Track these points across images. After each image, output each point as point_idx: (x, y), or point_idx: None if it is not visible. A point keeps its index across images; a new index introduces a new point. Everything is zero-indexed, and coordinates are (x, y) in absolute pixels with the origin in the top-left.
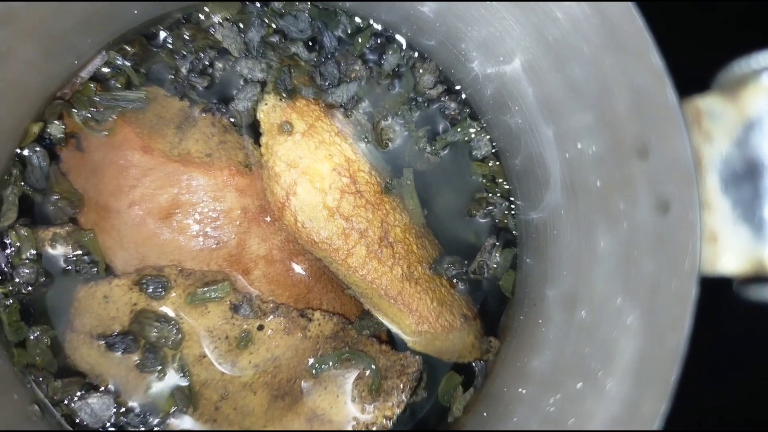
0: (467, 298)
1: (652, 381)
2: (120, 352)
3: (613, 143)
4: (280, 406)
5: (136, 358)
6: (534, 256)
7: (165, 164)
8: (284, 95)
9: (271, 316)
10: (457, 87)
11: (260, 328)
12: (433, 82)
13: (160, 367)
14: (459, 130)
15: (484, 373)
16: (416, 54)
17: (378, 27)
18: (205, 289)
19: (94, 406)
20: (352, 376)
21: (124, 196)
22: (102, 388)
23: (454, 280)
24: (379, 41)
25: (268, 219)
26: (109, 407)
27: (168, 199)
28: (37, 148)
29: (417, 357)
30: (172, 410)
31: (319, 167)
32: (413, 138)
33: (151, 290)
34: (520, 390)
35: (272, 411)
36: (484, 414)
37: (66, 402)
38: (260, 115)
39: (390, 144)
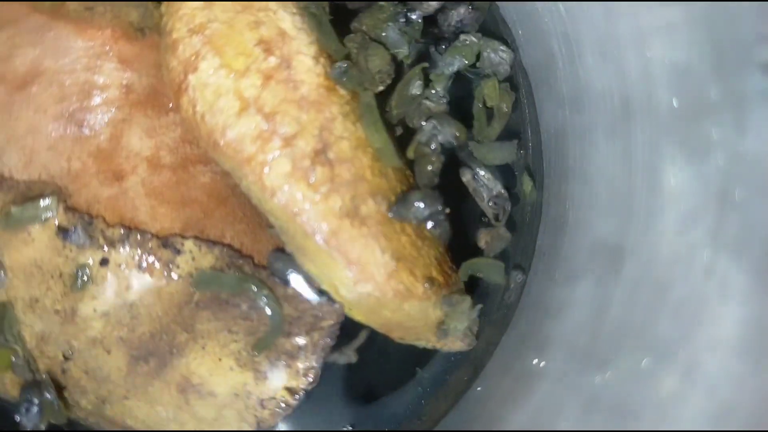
0: (442, 255)
1: None
2: None
3: (712, 49)
4: (143, 370)
5: None
6: (543, 196)
7: (29, 16)
8: None
9: (119, 247)
10: None
11: (104, 262)
12: None
13: None
14: (462, 55)
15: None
16: None
17: None
18: (22, 207)
19: None
20: (240, 329)
21: None
22: None
23: (429, 225)
24: None
25: (169, 106)
26: None
27: (26, 62)
28: None
29: (336, 305)
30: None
31: (236, 37)
32: (404, 81)
33: None
34: (535, 362)
35: (134, 377)
36: (479, 389)
37: None
38: None
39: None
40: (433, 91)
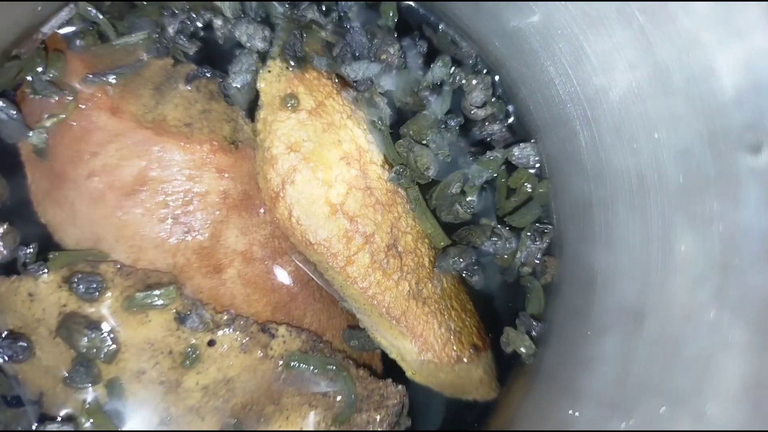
0: (479, 323)
1: None
2: (4, 360)
3: (708, 135)
4: None
5: (64, 370)
6: (575, 260)
7: (135, 130)
8: (292, 63)
9: (225, 330)
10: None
11: (211, 343)
12: (482, 100)
13: (90, 384)
14: (490, 169)
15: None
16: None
17: None
18: (146, 293)
19: None
20: (319, 404)
21: (83, 164)
22: (59, 417)
23: (464, 274)
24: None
25: (262, 210)
26: None
27: (134, 172)
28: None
29: (399, 387)
30: None
31: (325, 154)
32: (446, 181)
33: (82, 290)
34: (570, 411)
35: None
36: None
37: None
38: (261, 84)
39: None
40: (468, 199)
